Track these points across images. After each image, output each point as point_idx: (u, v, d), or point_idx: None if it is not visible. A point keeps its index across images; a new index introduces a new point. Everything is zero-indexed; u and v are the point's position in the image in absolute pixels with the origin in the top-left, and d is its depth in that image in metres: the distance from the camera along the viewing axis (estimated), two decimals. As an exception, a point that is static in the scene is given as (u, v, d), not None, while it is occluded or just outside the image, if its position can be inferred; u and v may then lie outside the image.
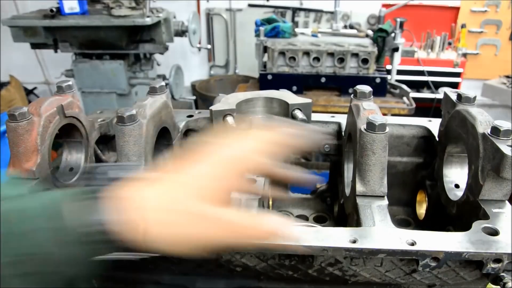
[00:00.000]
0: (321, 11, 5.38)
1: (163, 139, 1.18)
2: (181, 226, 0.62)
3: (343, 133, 1.32)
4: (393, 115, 2.90)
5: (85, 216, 0.60)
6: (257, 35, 3.24)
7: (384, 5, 4.54)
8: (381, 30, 3.10)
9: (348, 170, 1.22)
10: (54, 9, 3.37)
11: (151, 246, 0.61)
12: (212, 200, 0.64)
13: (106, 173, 0.66)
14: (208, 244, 0.63)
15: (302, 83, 3.07)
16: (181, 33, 3.84)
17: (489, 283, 0.88)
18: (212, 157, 0.67)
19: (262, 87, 3.08)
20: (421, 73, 4.39)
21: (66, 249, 0.60)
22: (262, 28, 3.23)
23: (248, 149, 0.68)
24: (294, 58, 3.00)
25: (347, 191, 1.13)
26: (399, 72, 3.73)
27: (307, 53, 2.99)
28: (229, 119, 1.26)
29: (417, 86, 4.49)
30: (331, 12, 4.17)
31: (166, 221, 0.61)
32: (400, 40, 3.23)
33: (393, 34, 3.17)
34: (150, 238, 0.60)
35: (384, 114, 1.36)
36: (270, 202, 1.33)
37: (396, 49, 3.21)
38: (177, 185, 0.64)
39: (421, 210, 1.34)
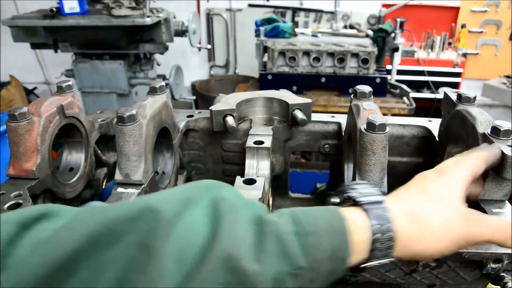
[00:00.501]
0: (321, 11, 5.38)
1: (163, 139, 1.18)
2: (446, 227, 0.67)
3: (343, 133, 1.32)
4: (393, 115, 2.90)
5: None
6: (257, 35, 3.24)
7: (384, 5, 4.54)
8: (381, 30, 3.10)
9: (348, 170, 1.22)
10: (54, 9, 3.37)
11: (410, 252, 0.65)
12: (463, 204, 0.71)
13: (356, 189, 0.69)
14: (469, 242, 0.69)
15: (302, 83, 3.07)
16: (181, 33, 3.84)
17: (489, 283, 0.88)
18: (453, 171, 0.76)
19: (262, 87, 3.08)
20: (421, 73, 4.38)
21: (337, 266, 0.60)
22: (262, 28, 3.22)
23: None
24: (294, 58, 3.00)
25: (347, 191, 1.13)
26: (399, 72, 3.73)
27: (307, 53, 2.99)
28: (229, 119, 1.26)
29: (417, 86, 4.49)
30: (331, 12, 4.17)
31: (430, 225, 0.66)
32: (400, 40, 3.23)
33: (393, 34, 3.17)
34: (410, 244, 0.65)
35: (384, 114, 1.36)
36: (270, 202, 1.33)
37: (396, 49, 3.21)
38: (431, 195, 0.71)
39: (421, 210, 1.34)
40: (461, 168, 0.76)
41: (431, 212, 0.67)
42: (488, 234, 0.69)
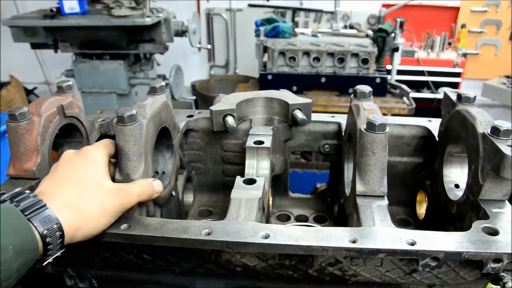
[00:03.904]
0: (321, 11, 5.38)
1: (163, 139, 1.19)
2: (101, 208, 0.81)
3: (343, 133, 1.32)
4: (393, 115, 2.90)
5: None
6: (257, 35, 3.24)
7: (384, 5, 4.54)
8: (381, 30, 3.10)
9: (348, 170, 1.22)
10: (54, 9, 3.37)
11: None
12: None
13: None
14: (124, 210, 0.85)
15: (302, 83, 3.07)
16: (181, 33, 3.83)
17: (489, 283, 0.88)
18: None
19: (262, 87, 3.08)
20: (421, 73, 4.38)
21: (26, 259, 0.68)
22: (262, 28, 3.22)
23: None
24: (294, 58, 3.00)
25: (347, 191, 1.13)
26: (399, 72, 3.73)
27: (307, 53, 2.99)
28: (229, 119, 1.26)
29: (417, 86, 4.49)
30: (331, 12, 4.17)
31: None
32: (400, 40, 3.23)
33: (393, 34, 3.17)
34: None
35: (384, 114, 1.36)
36: (270, 202, 1.33)
37: (396, 49, 3.21)
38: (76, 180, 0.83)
39: (421, 210, 1.34)
40: (98, 148, 0.91)
41: (87, 200, 0.80)
42: (135, 199, 0.88)
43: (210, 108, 1.28)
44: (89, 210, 0.79)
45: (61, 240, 0.74)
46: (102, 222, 0.81)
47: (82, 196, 0.80)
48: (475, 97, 1.06)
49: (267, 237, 0.82)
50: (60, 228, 0.74)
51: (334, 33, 3.47)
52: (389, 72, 3.31)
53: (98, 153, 0.89)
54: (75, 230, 0.77)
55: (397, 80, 3.36)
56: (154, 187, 0.94)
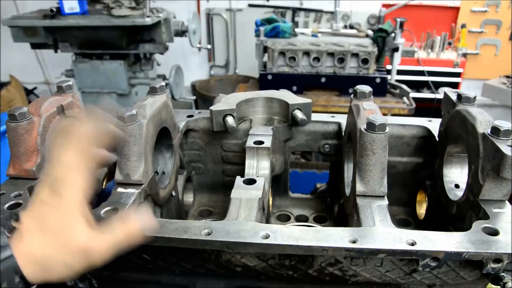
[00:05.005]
0: (321, 11, 5.38)
1: (163, 139, 1.19)
2: (67, 265, 0.74)
3: (343, 133, 1.32)
4: (393, 115, 2.90)
5: None
6: (257, 35, 3.24)
7: (384, 5, 4.54)
8: (381, 30, 3.10)
9: (348, 170, 1.22)
10: (54, 9, 3.37)
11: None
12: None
13: None
14: (95, 263, 0.75)
15: (302, 83, 3.07)
16: (181, 33, 3.84)
17: (489, 283, 0.88)
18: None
19: (262, 87, 3.08)
20: (421, 73, 4.38)
21: None
22: (262, 28, 3.22)
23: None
24: (294, 58, 3.00)
25: (347, 191, 1.13)
26: (399, 72, 3.73)
27: (307, 53, 2.99)
28: (229, 119, 1.26)
29: (417, 86, 4.49)
30: (331, 12, 4.17)
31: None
32: (400, 40, 3.23)
33: (393, 34, 3.17)
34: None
35: (384, 114, 1.36)
36: (270, 202, 1.33)
37: (396, 49, 3.21)
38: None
39: (421, 210, 1.34)
40: (72, 184, 0.74)
41: (54, 257, 0.73)
42: (106, 253, 0.75)
43: (210, 108, 1.28)
44: (53, 269, 0.74)
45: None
46: (67, 277, 0.77)
47: (49, 252, 0.73)
48: (475, 97, 1.06)
49: (267, 237, 0.82)
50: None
51: (334, 33, 3.47)
52: (389, 72, 3.31)
53: (71, 197, 0.74)
54: (41, 280, 0.74)
55: (397, 80, 3.36)
56: (139, 228, 0.76)
